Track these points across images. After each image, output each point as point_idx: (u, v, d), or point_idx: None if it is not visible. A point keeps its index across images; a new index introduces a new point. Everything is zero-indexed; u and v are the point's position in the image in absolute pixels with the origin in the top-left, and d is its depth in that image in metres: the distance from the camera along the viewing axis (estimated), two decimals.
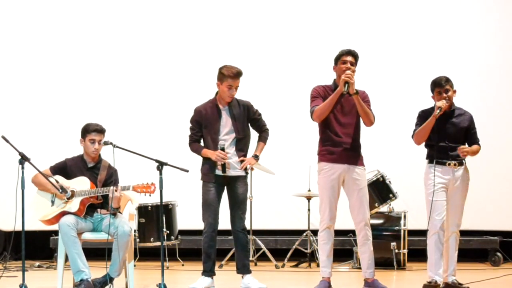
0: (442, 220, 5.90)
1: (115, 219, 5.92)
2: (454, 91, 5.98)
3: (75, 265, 5.79)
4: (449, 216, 5.93)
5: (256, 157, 6.30)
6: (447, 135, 5.93)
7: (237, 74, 6.14)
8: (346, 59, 6.00)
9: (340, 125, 6.02)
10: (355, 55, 6.04)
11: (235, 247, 6.32)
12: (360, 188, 6.04)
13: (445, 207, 5.92)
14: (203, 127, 6.24)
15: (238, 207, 6.23)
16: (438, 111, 5.82)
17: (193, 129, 6.30)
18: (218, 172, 6.17)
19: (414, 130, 6.02)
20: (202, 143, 6.29)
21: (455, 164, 5.91)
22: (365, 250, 6.10)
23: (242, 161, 6.21)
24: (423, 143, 6.02)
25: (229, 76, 6.12)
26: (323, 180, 6.07)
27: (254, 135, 6.44)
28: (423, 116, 5.99)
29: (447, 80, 5.95)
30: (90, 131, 6.08)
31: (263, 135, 6.39)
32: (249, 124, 6.34)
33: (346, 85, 5.87)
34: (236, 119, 6.20)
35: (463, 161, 5.96)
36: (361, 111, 5.98)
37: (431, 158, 5.97)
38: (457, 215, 5.94)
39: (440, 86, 5.93)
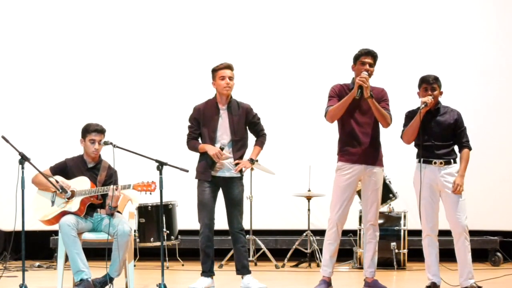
0: (432, 222, 5.88)
1: (115, 219, 5.93)
2: (441, 92, 5.94)
3: (75, 265, 5.78)
4: (450, 217, 5.89)
5: (251, 160, 6.30)
6: (433, 134, 5.89)
7: (227, 65, 6.17)
8: (365, 60, 5.94)
9: (358, 124, 5.99)
10: (374, 56, 5.98)
11: (234, 248, 6.32)
12: (375, 188, 6.04)
13: (436, 208, 5.89)
14: (201, 125, 6.24)
15: (234, 208, 6.22)
16: (423, 105, 5.79)
17: (192, 127, 6.30)
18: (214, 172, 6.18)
19: (402, 131, 5.98)
20: (200, 141, 6.29)
21: (441, 163, 5.89)
22: (369, 248, 6.10)
23: (237, 164, 6.19)
24: (413, 143, 5.99)
25: (219, 68, 6.16)
26: (338, 179, 6.04)
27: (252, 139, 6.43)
28: (410, 116, 5.96)
29: (436, 79, 5.91)
30: (90, 131, 6.07)
31: (260, 139, 6.37)
32: (247, 128, 6.32)
33: (359, 90, 5.84)
34: (233, 120, 6.19)
35: (451, 160, 5.91)
36: (377, 114, 5.93)
37: (419, 158, 5.95)
38: (458, 214, 5.84)
39: (428, 82, 5.89)
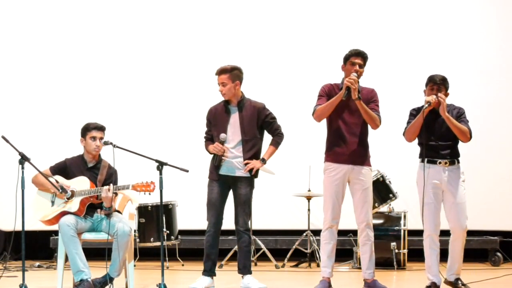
0: (434, 222, 5.88)
1: (115, 219, 5.93)
2: (447, 94, 5.92)
3: (75, 265, 5.79)
4: (451, 218, 5.90)
5: (263, 160, 6.24)
6: (437, 133, 5.89)
7: (216, 72, 6.18)
8: (355, 61, 5.92)
9: (346, 124, 5.97)
10: (364, 57, 5.96)
11: (238, 246, 6.32)
12: (364, 188, 6.01)
13: (438, 208, 5.90)
14: (212, 125, 6.26)
15: (240, 207, 6.20)
16: (427, 105, 5.78)
17: (207, 128, 6.33)
18: (223, 171, 6.17)
19: (405, 128, 5.98)
20: None
21: (446, 163, 5.88)
22: (365, 250, 6.09)
23: (247, 164, 6.17)
24: (415, 141, 5.98)
25: (216, 75, 6.19)
26: (327, 180, 6.04)
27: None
28: (415, 114, 5.94)
29: (443, 80, 5.89)
30: (91, 128, 6.09)
31: (275, 139, 6.32)
32: (262, 127, 6.29)
33: (347, 91, 5.82)
34: (244, 120, 6.18)
35: (455, 160, 5.92)
36: (365, 116, 5.91)
37: (422, 157, 5.95)
38: (459, 215, 5.86)
39: (434, 82, 5.87)
